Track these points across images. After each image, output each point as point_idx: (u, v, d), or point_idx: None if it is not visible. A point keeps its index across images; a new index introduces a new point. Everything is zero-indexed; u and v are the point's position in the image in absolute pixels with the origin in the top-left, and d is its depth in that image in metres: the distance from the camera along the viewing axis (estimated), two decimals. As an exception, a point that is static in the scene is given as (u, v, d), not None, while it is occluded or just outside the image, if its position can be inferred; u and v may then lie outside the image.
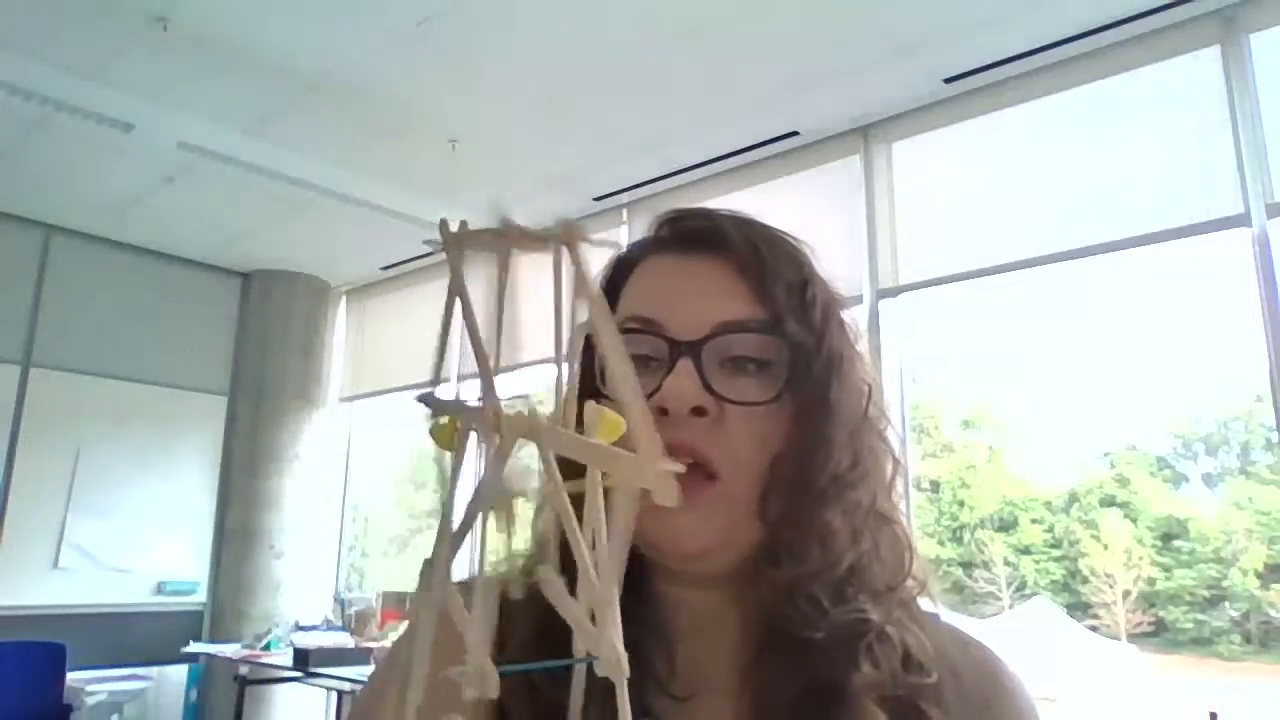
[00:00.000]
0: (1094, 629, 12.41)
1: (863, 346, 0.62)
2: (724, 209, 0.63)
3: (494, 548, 0.31)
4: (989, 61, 3.00)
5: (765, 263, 0.58)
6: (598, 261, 0.63)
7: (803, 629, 0.52)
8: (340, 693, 4.20)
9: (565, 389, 0.33)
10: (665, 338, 0.56)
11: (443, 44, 2.95)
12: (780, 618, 0.53)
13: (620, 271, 0.64)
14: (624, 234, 4.03)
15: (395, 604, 4.52)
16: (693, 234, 0.61)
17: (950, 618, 0.61)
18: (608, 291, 0.63)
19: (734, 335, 0.56)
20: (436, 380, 0.35)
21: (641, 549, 0.55)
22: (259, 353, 5.20)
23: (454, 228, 0.31)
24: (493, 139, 3.61)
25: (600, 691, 0.31)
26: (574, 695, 0.36)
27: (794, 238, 0.63)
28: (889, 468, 0.60)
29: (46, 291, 4.58)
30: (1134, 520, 13.71)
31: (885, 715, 0.50)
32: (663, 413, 0.53)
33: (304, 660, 3.90)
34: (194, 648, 4.54)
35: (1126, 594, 13.09)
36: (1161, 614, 12.96)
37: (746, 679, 0.55)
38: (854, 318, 0.62)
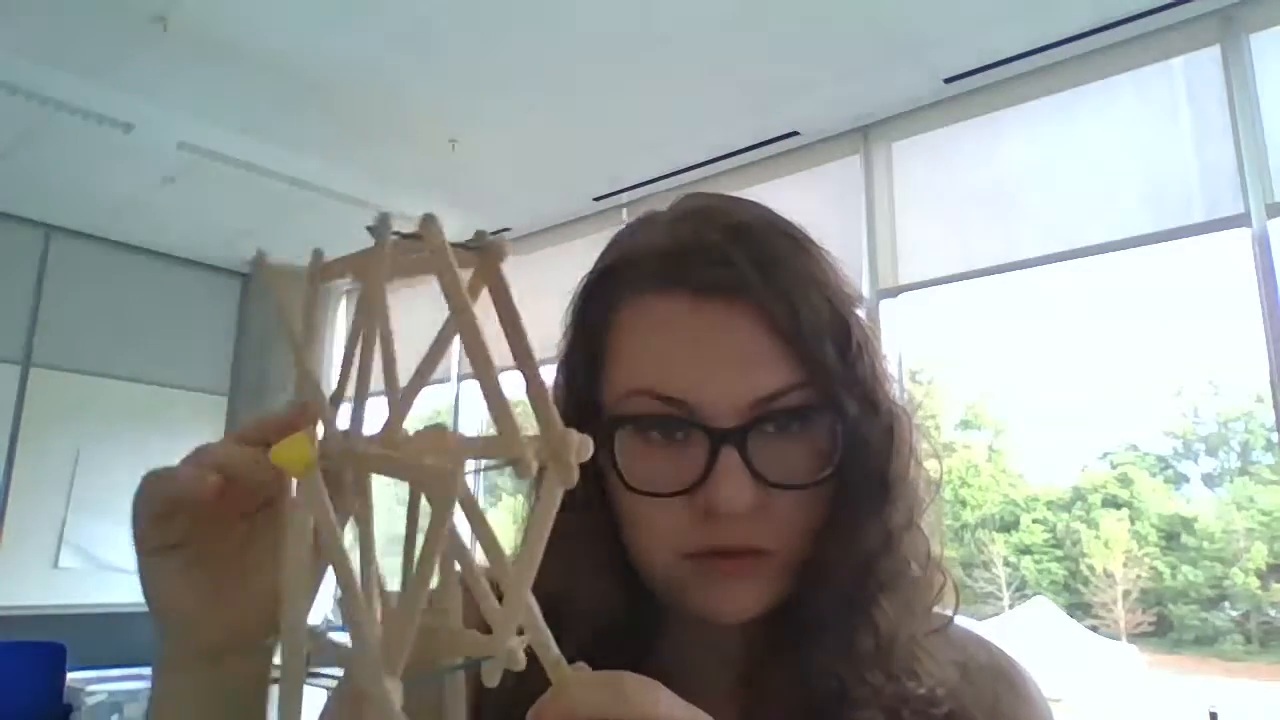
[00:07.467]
0: (1094, 629, 12.40)
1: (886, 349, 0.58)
2: (731, 222, 0.52)
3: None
4: (989, 61, 3.00)
5: (798, 311, 0.49)
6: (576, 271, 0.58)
7: (851, 703, 0.49)
8: (340, 693, 4.19)
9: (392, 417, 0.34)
10: (703, 426, 0.48)
11: (443, 44, 2.94)
12: (823, 682, 0.49)
13: (598, 306, 0.54)
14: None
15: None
16: (706, 279, 0.50)
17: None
18: (579, 326, 0.56)
19: (777, 410, 0.49)
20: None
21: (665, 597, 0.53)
22: (259, 353, 5.19)
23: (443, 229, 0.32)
24: (493, 139, 3.60)
25: None
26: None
27: (807, 242, 0.54)
28: (925, 492, 0.55)
29: (46, 291, 4.58)
30: (1135, 520, 13.69)
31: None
32: (708, 514, 0.48)
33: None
34: (194, 648, 4.54)
35: (1127, 594, 13.09)
36: (1169, 609, 12.94)
37: (745, 681, 0.55)
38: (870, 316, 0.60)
